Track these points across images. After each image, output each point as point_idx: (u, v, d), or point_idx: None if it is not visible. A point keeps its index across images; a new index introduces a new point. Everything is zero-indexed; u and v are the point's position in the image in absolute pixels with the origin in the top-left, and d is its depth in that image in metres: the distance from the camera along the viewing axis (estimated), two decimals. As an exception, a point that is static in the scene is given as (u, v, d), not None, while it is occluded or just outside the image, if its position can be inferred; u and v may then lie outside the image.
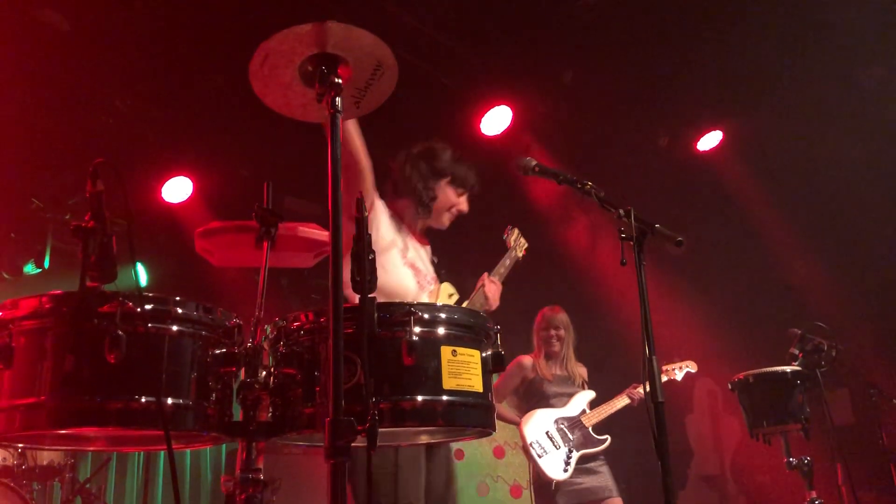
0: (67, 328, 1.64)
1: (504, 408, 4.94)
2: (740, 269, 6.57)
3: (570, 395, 4.80)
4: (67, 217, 6.62)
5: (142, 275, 6.15)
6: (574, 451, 4.58)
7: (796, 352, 3.76)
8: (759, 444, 3.90)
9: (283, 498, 5.87)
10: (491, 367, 1.99)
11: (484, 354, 1.96)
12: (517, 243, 3.73)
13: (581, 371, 4.97)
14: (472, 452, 7.35)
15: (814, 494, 3.61)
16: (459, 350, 1.89)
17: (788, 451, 3.71)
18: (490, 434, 2.00)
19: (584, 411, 4.75)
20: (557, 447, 4.58)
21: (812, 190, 6.07)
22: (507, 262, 3.58)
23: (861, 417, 5.74)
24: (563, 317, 4.98)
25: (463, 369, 1.87)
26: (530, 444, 4.59)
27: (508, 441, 7.43)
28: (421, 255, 3.19)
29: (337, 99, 1.73)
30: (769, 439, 3.80)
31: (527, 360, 4.96)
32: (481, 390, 1.90)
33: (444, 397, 1.81)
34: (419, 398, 1.79)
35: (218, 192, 6.27)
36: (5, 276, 6.57)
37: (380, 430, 1.65)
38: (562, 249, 6.87)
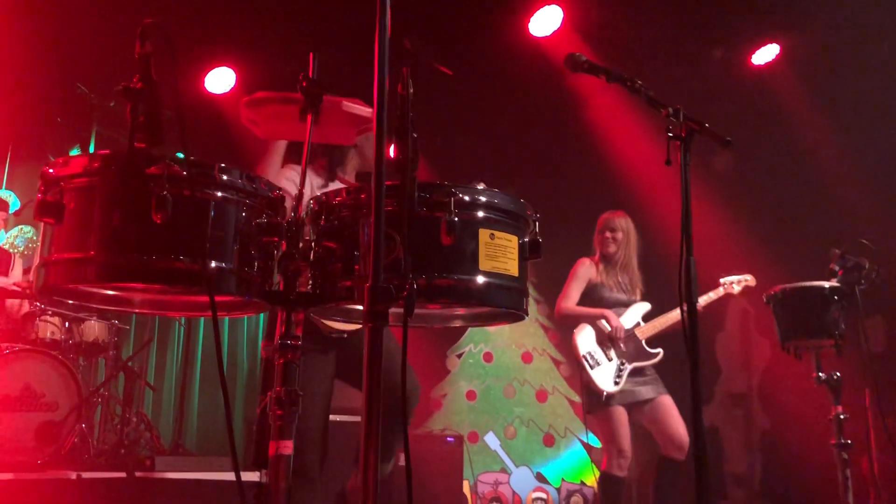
0: (115, 186, 1.67)
1: (580, 308, 4.72)
2: (787, 187, 6.42)
3: (627, 306, 4.71)
4: (112, 105, 6.68)
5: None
6: (626, 363, 4.55)
7: (836, 268, 3.70)
8: (787, 363, 3.86)
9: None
10: (528, 255, 2.00)
11: (521, 241, 1.97)
12: None
13: (640, 282, 4.83)
14: (500, 356, 7.49)
15: (839, 409, 3.61)
16: (497, 234, 1.90)
17: (819, 366, 3.68)
18: (522, 318, 2.03)
19: (638, 323, 4.67)
20: (610, 359, 4.55)
21: (868, 110, 5.86)
22: None
23: (894, 346, 5.67)
24: (622, 221, 4.80)
25: (500, 252, 1.89)
26: (583, 356, 4.55)
27: (536, 347, 7.55)
28: None
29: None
30: (800, 354, 3.77)
31: (589, 261, 4.82)
32: (517, 274, 1.92)
33: (480, 277, 1.83)
34: (455, 277, 1.82)
35: (260, 84, 6.23)
36: (51, 158, 6.68)
37: (415, 311, 1.68)
38: (613, 153, 6.74)
